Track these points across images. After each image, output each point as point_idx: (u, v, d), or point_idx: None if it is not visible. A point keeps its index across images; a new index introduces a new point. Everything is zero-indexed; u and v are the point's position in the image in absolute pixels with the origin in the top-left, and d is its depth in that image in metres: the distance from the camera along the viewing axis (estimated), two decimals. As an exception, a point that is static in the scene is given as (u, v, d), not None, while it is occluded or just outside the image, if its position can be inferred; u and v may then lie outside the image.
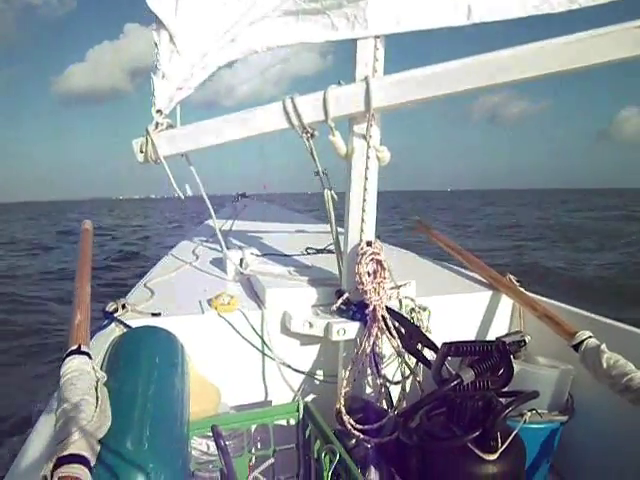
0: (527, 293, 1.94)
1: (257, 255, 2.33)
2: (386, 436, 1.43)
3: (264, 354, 1.71)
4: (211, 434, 1.21)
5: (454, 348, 1.27)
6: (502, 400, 1.23)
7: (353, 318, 1.63)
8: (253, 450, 1.43)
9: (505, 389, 1.25)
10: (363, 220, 1.59)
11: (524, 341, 1.62)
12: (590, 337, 1.48)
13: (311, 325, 1.65)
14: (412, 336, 1.58)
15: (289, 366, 1.74)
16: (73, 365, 1.01)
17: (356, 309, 1.62)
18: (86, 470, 0.78)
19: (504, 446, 1.16)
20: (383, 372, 1.64)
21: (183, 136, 1.63)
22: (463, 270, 2.42)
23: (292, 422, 1.45)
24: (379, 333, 1.56)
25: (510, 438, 1.18)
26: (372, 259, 1.55)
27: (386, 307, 1.56)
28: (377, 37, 1.49)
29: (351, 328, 1.61)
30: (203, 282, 2.11)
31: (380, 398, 1.63)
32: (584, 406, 1.60)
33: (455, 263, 2.53)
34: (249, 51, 1.57)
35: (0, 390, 4.35)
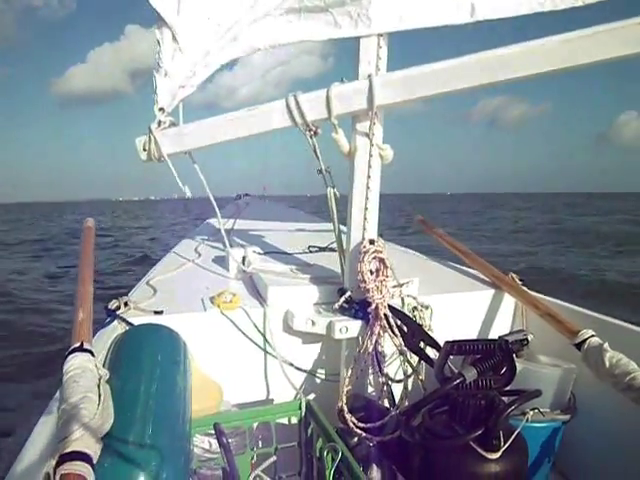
0: (529, 292, 1.94)
1: (259, 253, 2.33)
2: (388, 434, 1.43)
3: (266, 352, 1.71)
4: (213, 432, 1.22)
5: (457, 347, 1.27)
6: (504, 399, 1.23)
7: (355, 316, 1.63)
8: (255, 448, 1.43)
9: (507, 388, 1.25)
10: (365, 218, 1.59)
11: (526, 340, 1.61)
12: (593, 336, 1.47)
13: (313, 323, 1.65)
14: (414, 334, 1.58)
15: (291, 364, 1.74)
16: (75, 363, 1.02)
17: (358, 307, 1.62)
18: (89, 467, 0.78)
19: (506, 445, 1.16)
20: (385, 370, 1.64)
21: (186, 134, 1.62)
22: (465, 268, 2.42)
23: (294, 420, 1.45)
24: (381, 331, 1.56)
25: (512, 437, 1.18)
26: (374, 257, 1.54)
27: (388, 305, 1.56)
28: (380, 35, 1.48)
29: (353, 326, 1.61)
30: (205, 280, 2.11)
31: (382, 396, 1.63)
32: (586, 405, 1.60)
33: (457, 261, 2.52)
34: (251, 49, 1.57)
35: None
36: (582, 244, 16.13)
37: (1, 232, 27.90)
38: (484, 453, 1.15)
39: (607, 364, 1.35)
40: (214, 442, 1.31)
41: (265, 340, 1.70)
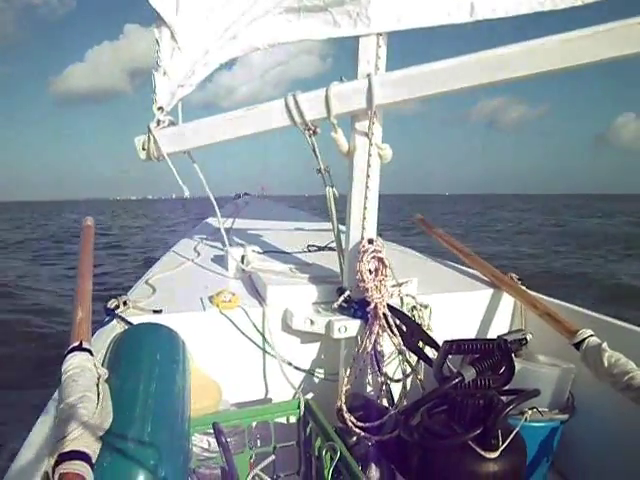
0: (528, 291, 1.94)
1: (259, 252, 2.33)
2: (387, 434, 1.43)
3: (265, 351, 1.71)
4: (212, 431, 1.22)
5: (455, 346, 1.27)
6: (503, 398, 1.23)
7: (354, 316, 1.63)
8: (254, 447, 1.43)
9: (506, 387, 1.25)
10: (365, 218, 1.59)
11: (525, 339, 1.61)
12: (591, 335, 1.47)
13: (312, 322, 1.65)
14: (413, 334, 1.58)
15: (290, 363, 1.74)
16: (74, 362, 1.02)
17: (357, 307, 1.62)
18: (87, 467, 0.78)
19: (505, 444, 1.16)
20: (384, 370, 1.64)
21: (185, 133, 1.62)
22: (464, 268, 2.42)
23: (293, 419, 1.45)
24: (380, 331, 1.56)
25: (511, 436, 1.18)
26: (373, 257, 1.54)
27: (387, 305, 1.56)
28: (379, 34, 1.48)
29: (352, 326, 1.61)
30: (204, 279, 2.11)
31: (381, 396, 1.63)
32: (585, 405, 1.60)
33: (457, 261, 2.52)
34: (251, 48, 1.57)
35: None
36: (590, 246, 15.90)
37: (3, 231, 27.85)
38: (482, 452, 1.15)
39: (606, 364, 1.35)
40: (213, 441, 1.31)
41: (264, 339, 1.70)
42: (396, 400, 1.60)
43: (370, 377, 1.69)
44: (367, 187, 1.57)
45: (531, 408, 1.46)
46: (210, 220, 4.41)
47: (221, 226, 2.05)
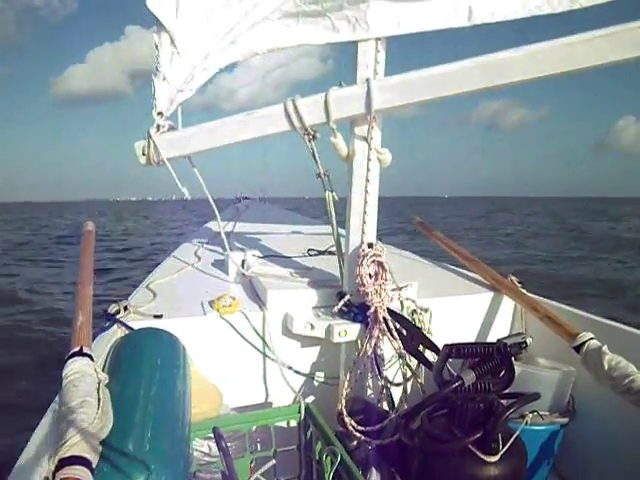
0: (529, 294, 1.94)
1: (259, 257, 2.34)
2: (387, 438, 1.43)
3: (265, 356, 1.71)
4: (212, 435, 1.22)
5: (455, 350, 1.27)
6: (503, 402, 1.23)
7: (354, 320, 1.63)
8: (254, 451, 1.43)
9: (506, 391, 1.25)
10: (364, 222, 1.59)
11: (525, 343, 1.62)
12: (592, 339, 1.48)
13: (312, 327, 1.65)
14: (413, 338, 1.58)
15: (290, 368, 1.74)
16: (75, 367, 1.02)
17: (357, 311, 1.62)
18: (88, 472, 0.78)
19: (505, 448, 1.16)
20: (384, 374, 1.64)
21: (185, 138, 1.63)
22: (464, 271, 2.42)
23: (293, 423, 1.45)
24: (380, 335, 1.56)
25: (511, 440, 1.18)
26: (373, 261, 1.55)
27: (387, 309, 1.56)
28: (378, 39, 1.49)
29: (352, 330, 1.61)
30: (205, 284, 2.11)
31: (381, 400, 1.63)
32: (586, 408, 1.60)
33: (457, 264, 2.52)
34: (250, 53, 1.58)
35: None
36: (608, 251, 15.50)
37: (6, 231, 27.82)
38: (483, 456, 1.15)
39: (606, 367, 1.35)
40: (213, 446, 1.31)
41: (264, 344, 1.70)
42: (396, 404, 1.61)
43: (370, 381, 1.69)
44: (366, 191, 1.57)
45: (532, 411, 1.46)
46: (210, 224, 4.41)
47: (222, 231, 2.06)
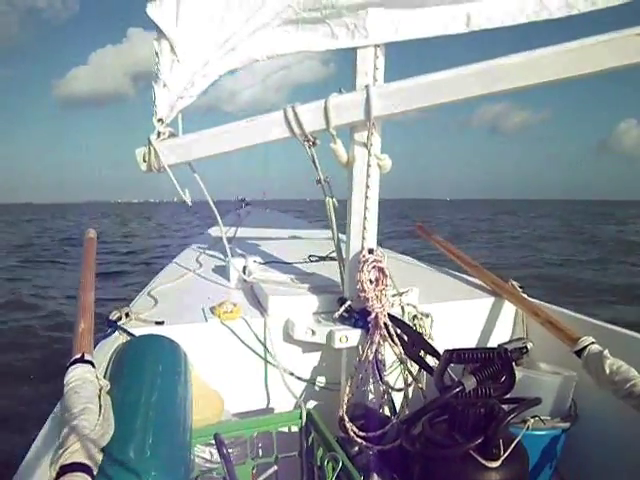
0: (530, 299, 1.94)
1: (260, 263, 2.34)
2: (389, 443, 1.43)
3: (267, 362, 1.71)
4: (214, 442, 1.22)
5: (456, 355, 1.27)
6: (505, 407, 1.23)
7: (355, 325, 1.63)
8: (256, 458, 1.43)
9: (508, 396, 1.25)
10: (365, 228, 1.60)
11: (526, 348, 1.62)
12: (593, 343, 1.47)
13: (313, 333, 1.65)
14: (414, 343, 1.58)
15: (292, 373, 1.74)
16: (76, 374, 1.02)
17: (358, 316, 1.62)
18: (89, 478, 0.78)
19: (506, 453, 1.15)
20: (385, 379, 1.64)
21: (185, 145, 1.64)
22: (465, 276, 2.42)
23: (295, 429, 1.45)
24: (381, 340, 1.56)
25: (513, 445, 1.17)
26: (374, 267, 1.55)
27: (388, 314, 1.57)
28: (377, 46, 1.50)
29: (353, 335, 1.61)
30: (206, 290, 2.11)
31: (383, 405, 1.63)
32: (588, 412, 1.60)
33: (457, 269, 2.52)
34: (249, 60, 1.59)
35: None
36: (621, 255, 15.27)
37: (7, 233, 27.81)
38: (484, 462, 1.14)
39: (607, 371, 1.35)
40: (215, 452, 1.31)
41: (266, 350, 1.70)
42: (398, 409, 1.60)
43: (372, 386, 1.68)
44: (367, 197, 1.58)
45: (533, 416, 1.45)
46: (212, 230, 4.41)
47: (223, 237, 2.06)
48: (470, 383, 1.22)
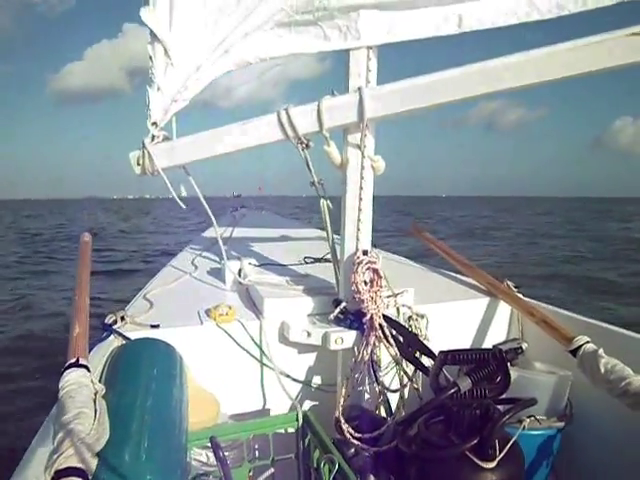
0: (525, 299, 1.95)
1: (255, 265, 2.34)
2: (385, 445, 1.43)
3: (263, 364, 1.71)
4: (210, 445, 1.22)
5: (451, 356, 1.28)
6: (500, 407, 1.23)
7: (351, 327, 1.63)
8: (252, 460, 1.43)
9: (504, 396, 1.25)
10: (359, 229, 1.60)
11: (521, 348, 1.62)
12: (588, 342, 1.48)
13: (309, 334, 1.65)
14: (410, 344, 1.58)
15: (288, 375, 1.74)
16: (71, 378, 1.02)
17: (353, 318, 1.62)
18: (84, 483, 0.78)
19: (502, 454, 1.15)
20: (381, 380, 1.64)
21: (179, 148, 1.63)
22: (460, 277, 2.43)
23: (291, 432, 1.45)
24: (377, 341, 1.56)
25: (508, 445, 1.18)
26: (368, 268, 1.55)
27: (383, 315, 1.57)
28: (369, 48, 1.50)
29: (349, 337, 1.62)
30: (202, 293, 2.12)
31: (379, 406, 1.63)
32: (583, 411, 1.61)
33: (453, 269, 2.53)
34: (243, 63, 1.59)
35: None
36: (631, 252, 15.05)
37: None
38: (480, 462, 1.14)
39: (602, 370, 1.35)
40: (211, 455, 1.30)
41: (261, 352, 1.70)
42: (394, 410, 1.61)
43: (368, 388, 1.69)
44: (360, 199, 1.58)
45: (529, 416, 1.46)
46: (207, 233, 4.41)
47: (219, 239, 2.06)
48: (465, 384, 1.23)
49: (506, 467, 1.16)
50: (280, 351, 1.73)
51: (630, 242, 18.74)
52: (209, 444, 1.22)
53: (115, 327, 1.58)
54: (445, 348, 1.30)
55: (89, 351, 1.23)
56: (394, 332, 1.57)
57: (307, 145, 1.55)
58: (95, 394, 1.01)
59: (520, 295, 1.97)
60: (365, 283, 1.54)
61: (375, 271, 1.56)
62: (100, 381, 1.16)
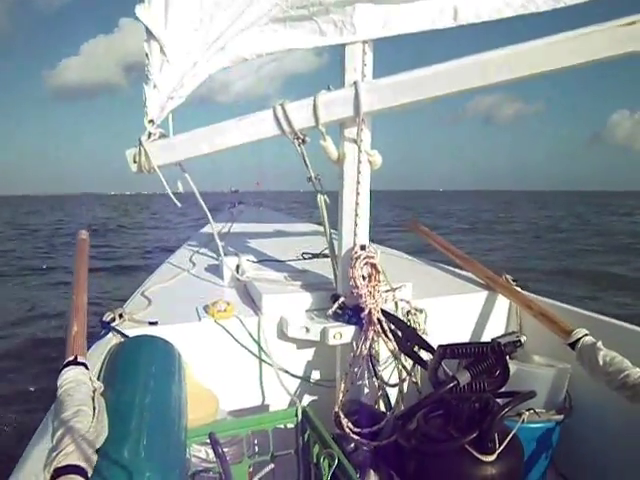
0: (523, 292, 1.95)
1: (253, 261, 2.34)
2: (384, 439, 1.43)
3: (261, 360, 1.71)
4: (209, 441, 1.22)
5: (449, 350, 1.28)
6: (499, 401, 1.23)
7: (349, 322, 1.63)
8: (252, 456, 1.43)
9: (503, 389, 1.25)
10: (356, 224, 1.60)
11: (520, 341, 1.62)
12: (586, 335, 1.48)
13: (307, 330, 1.65)
14: (408, 338, 1.58)
15: (286, 371, 1.74)
16: (70, 376, 1.02)
17: (352, 313, 1.62)
18: (83, 480, 0.78)
19: (502, 447, 1.16)
20: (380, 375, 1.64)
21: (176, 145, 1.63)
22: (459, 271, 2.42)
23: (290, 427, 1.45)
24: (375, 336, 1.56)
25: (508, 439, 1.18)
26: (366, 263, 1.55)
27: (382, 310, 1.57)
28: (365, 42, 1.50)
29: (347, 332, 1.62)
30: (200, 289, 2.11)
31: (378, 401, 1.63)
32: (582, 404, 1.61)
33: (451, 264, 2.53)
34: (239, 59, 1.58)
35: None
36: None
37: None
38: (479, 456, 1.15)
39: (601, 363, 1.35)
40: (211, 452, 1.30)
41: (260, 348, 1.70)
42: (393, 404, 1.61)
43: (367, 382, 1.69)
44: (358, 193, 1.58)
45: (528, 409, 1.46)
46: (205, 230, 4.40)
47: (216, 236, 2.06)
48: (464, 378, 1.23)
49: (505, 460, 1.16)
50: (279, 347, 1.73)
51: (636, 236, 18.46)
52: (208, 440, 1.22)
53: (113, 325, 1.58)
54: (444, 342, 1.30)
55: (87, 349, 1.23)
56: (392, 326, 1.58)
57: (303, 140, 1.55)
58: (94, 392, 1.01)
59: (518, 288, 1.98)
60: (363, 278, 1.54)
61: (373, 266, 1.56)
62: (99, 379, 1.16)
